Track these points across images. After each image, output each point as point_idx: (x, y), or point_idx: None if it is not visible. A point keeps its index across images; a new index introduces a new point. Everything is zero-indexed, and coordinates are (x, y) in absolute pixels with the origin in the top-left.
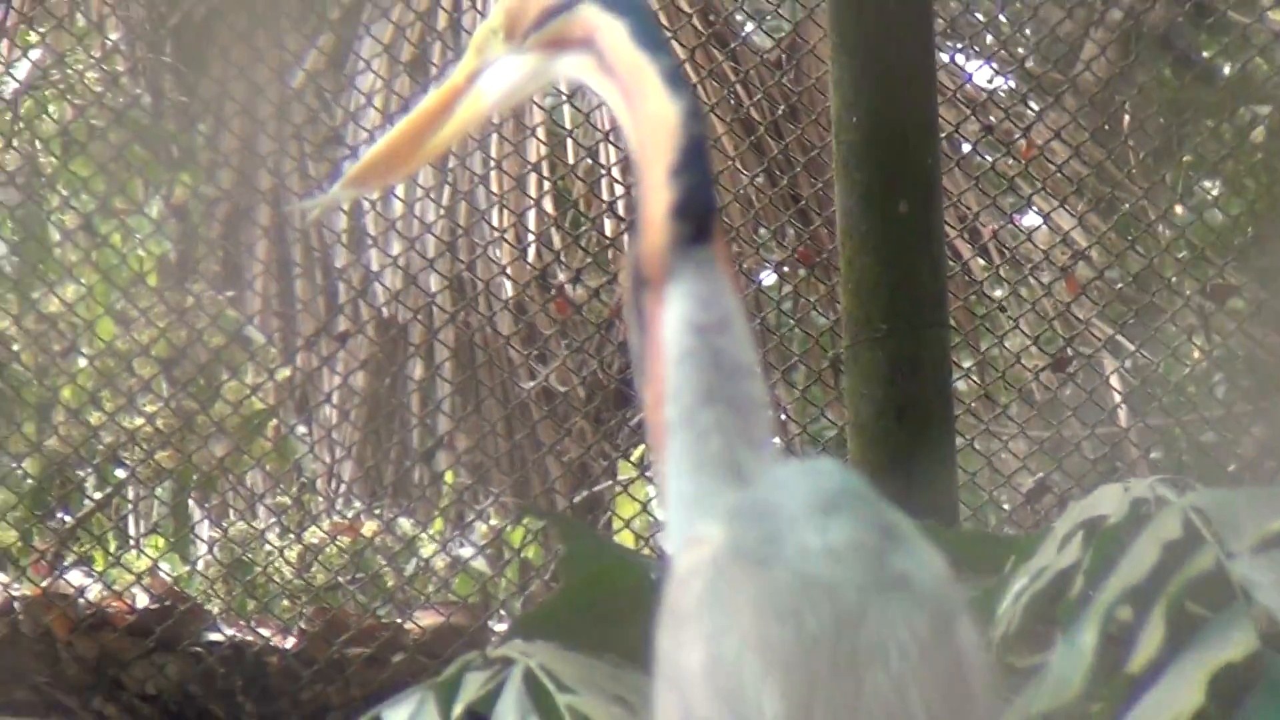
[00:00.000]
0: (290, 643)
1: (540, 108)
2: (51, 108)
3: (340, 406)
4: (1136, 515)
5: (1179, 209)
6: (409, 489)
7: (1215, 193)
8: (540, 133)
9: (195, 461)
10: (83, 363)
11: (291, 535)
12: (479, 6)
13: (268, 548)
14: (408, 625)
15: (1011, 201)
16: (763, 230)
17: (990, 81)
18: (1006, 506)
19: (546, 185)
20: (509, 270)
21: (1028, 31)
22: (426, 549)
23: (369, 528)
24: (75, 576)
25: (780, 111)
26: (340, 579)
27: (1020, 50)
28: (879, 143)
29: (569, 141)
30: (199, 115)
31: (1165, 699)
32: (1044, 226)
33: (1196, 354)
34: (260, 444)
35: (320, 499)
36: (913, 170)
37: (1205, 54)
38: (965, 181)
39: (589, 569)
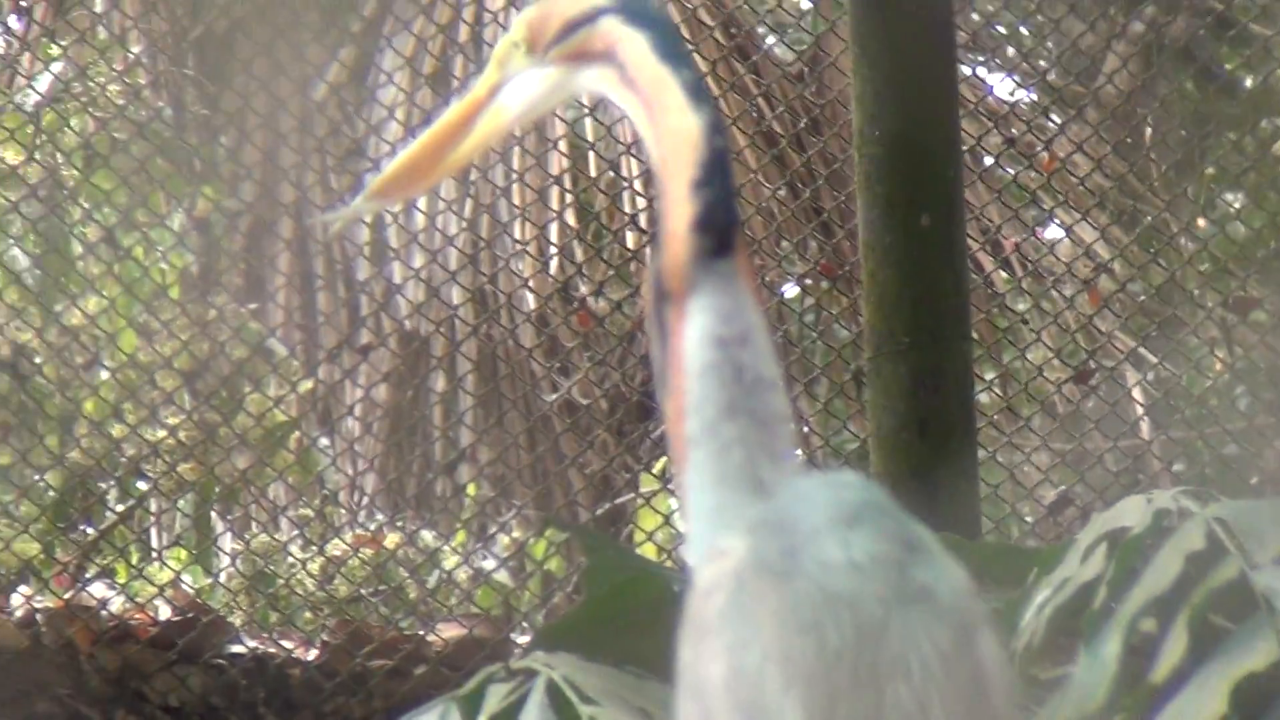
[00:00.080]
0: (313, 655)
1: (562, 120)
2: (74, 121)
3: (363, 419)
4: (1159, 527)
5: (1201, 221)
6: (431, 501)
7: (1237, 205)
8: (562, 145)
9: (218, 474)
10: (105, 375)
11: (314, 547)
12: (501, 19)
13: (290, 560)
14: (430, 637)
15: (1034, 214)
16: (785, 243)
17: (1012, 94)
18: (1029, 519)
19: (569, 198)
20: (531, 283)
21: (1050, 44)
22: (449, 561)
23: (391, 540)
24: (98, 589)
25: (802, 124)
26: (363, 591)
27: (1042, 63)
28: (901, 156)
29: (591, 154)
30: (221, 128)
31: (1188, 709)
32: (1066, 239)
33: (1219, 366)
34: (283, 456)
35: (343, 511)
36: (935, 183)
37: (1227, 66)
38: (987, 194)
39: (611, 581)
